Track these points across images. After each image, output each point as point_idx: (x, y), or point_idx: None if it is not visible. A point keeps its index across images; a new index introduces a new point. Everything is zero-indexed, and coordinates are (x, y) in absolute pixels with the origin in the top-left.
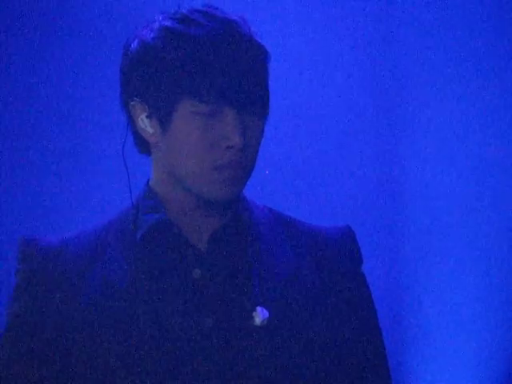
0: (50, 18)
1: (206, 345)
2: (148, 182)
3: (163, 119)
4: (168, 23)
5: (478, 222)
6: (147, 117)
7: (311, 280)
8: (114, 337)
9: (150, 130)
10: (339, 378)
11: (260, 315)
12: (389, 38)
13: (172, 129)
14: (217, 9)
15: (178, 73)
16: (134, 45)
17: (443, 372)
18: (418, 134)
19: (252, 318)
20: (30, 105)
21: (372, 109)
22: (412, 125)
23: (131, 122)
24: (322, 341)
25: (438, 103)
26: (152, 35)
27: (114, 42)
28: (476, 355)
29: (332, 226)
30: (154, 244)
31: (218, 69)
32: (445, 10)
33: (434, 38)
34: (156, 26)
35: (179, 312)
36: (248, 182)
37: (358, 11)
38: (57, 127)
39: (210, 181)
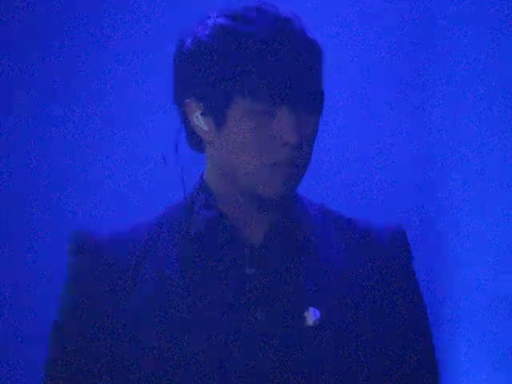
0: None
1: (258, 339)
2: (202, 176)
3: (217, 117)
4: (222, 20)
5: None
6: (202, 114)
7: (364, 277)
8: (167, 330)
9: (204, 127)
10: (388, 380)
11: (312, 316)
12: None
13: (227, 127)
14: (270, 6)
15: (231, 71)
16: (188, 42)
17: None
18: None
19: (304, 317)
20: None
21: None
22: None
23: (185, 119)
24: (372, 342)
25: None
26: (206, 32)
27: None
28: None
29: (383, 224)
30: (209, 239)
31: (271, 67)
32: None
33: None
34: (210, 23)
35: (232, 306)
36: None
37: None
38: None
39: (266, 179)
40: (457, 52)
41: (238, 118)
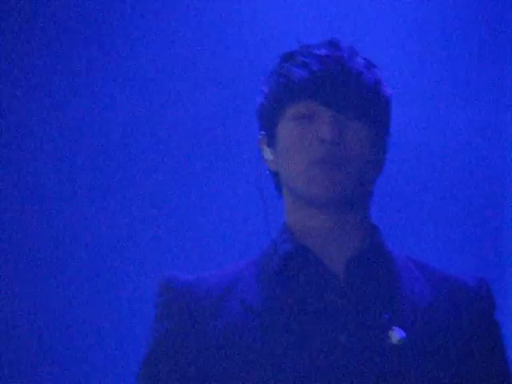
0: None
1: (341, 360)
2: (284, 222)
3: (270, 136)
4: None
5: None
6: (267, 145)
7: (446, 315)
8: (252, 358)
9: (270, 157)
10: None
11: (397, 334)
12: None
13: (277, 140)
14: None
15: (285, 86)
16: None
17: None
18: None
19: (388, 336)
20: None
21: None
22: None
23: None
24: (451, 372)
25: None
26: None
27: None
28: None
29: (468, 276)
30: (291, 270)
31: (317, 72)
32: None
33: None
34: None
35: (316, 332)
36: None
37: None
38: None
39: (308, 178)
40: None
41: (285, 124)
